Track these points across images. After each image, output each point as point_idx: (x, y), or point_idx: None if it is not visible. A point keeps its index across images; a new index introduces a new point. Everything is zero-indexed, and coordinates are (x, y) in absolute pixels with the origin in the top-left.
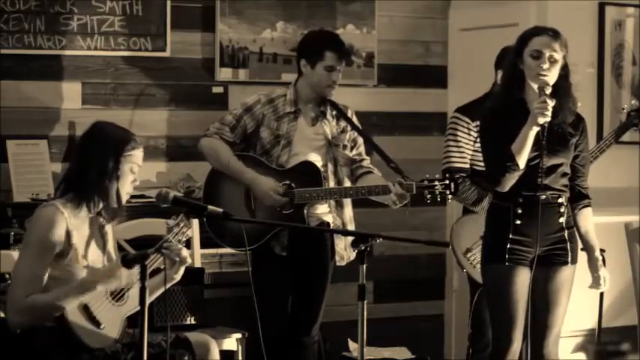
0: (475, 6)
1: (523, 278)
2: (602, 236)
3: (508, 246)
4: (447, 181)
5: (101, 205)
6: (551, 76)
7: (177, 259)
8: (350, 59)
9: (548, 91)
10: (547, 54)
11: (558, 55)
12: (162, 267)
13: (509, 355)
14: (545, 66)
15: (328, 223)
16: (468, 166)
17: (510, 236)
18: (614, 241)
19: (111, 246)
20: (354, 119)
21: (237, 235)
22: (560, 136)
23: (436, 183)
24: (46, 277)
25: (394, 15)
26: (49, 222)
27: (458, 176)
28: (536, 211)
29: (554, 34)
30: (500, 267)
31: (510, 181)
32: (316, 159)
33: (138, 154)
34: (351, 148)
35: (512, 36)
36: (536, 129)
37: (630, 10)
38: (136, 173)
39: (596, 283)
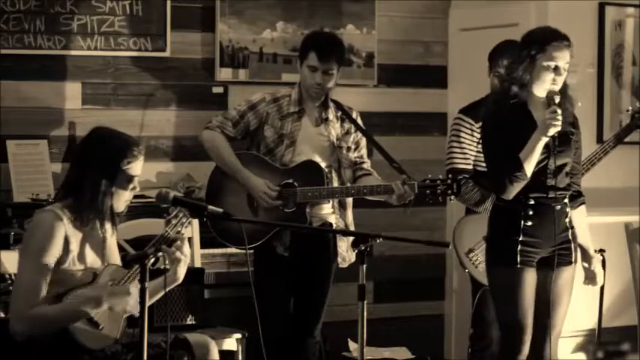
0: (475, 6)
1: (532, 280)
2: (602, 236)
3: (519, 248)
4: (450, 182)
5: (93, 218)
6: (560, 84)
7: (179, 255)
8: (335, 63)
9: (558, 99)
10: (562, 66)
11: (568, 64)
12: (162, 267)
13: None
14: (560, 79)
15: (331, 224)
16: (471, 167)
17: (521, 238)
18: (614, 241)
19: (111, 246)
20: (359, 121)
21: (239, 234)
22: (563, 136)
23: (438, 183)
24: (46, 285)
25: (394, 15)
26: (48, 231)
27: (461, 177)
28: (547, 212)
29: (569, 43)
30: (512, 269)
31: (516, 189)
32: (320, 159)
33: (136, 166)
34: (354, 151)
35: (512, 36)
36: (545, 139)
37: (630, 10)
38: (135, 182)
39: (591, 280)
